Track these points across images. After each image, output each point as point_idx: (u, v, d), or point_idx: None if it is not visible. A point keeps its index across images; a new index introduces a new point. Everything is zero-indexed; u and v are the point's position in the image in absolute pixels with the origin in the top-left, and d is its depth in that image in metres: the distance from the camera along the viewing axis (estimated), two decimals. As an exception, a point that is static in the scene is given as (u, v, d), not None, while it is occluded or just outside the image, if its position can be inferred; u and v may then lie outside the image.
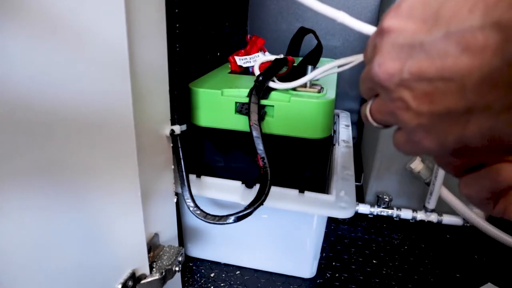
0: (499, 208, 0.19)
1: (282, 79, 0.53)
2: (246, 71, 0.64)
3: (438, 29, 0.16)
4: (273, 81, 0.51)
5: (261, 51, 0.64)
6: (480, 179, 0.19)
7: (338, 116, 0.83)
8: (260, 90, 0.49)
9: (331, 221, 0.75)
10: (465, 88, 0.16)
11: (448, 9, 0.16)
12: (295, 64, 0.62)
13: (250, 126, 0.48)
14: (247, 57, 0.63)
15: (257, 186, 0.52)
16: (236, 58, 0.63)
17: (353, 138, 0.90)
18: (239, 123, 0.52)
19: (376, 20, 0.95)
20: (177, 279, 0.53)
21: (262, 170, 0.48)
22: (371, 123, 0.22)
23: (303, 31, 0.75)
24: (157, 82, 0.39)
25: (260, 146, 0.48)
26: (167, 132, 0.43)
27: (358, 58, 0.38)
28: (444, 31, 0.16)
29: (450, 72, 0.16)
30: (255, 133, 0.48)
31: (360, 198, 0.80)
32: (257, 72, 0.57)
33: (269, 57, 0.60)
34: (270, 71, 0.52)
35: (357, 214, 0.73)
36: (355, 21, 0.24)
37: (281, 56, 0.61)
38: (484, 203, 0.20)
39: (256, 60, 0.61)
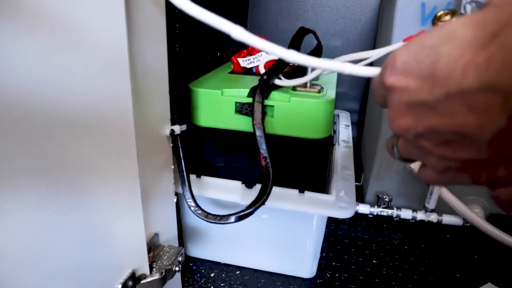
0: None
1: (285, 76, 0.53)
2: (247, 71, 0.64)
3: (439, 89, 0.16)
4: (280, 78, 0.51)
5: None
6: None
7: (338, 116, 0.83)
8: (265, 89, 0.49)
9: (331, 221, 0.75)
10: (481, 142, 0.16)
11: (442, 68, 0.16)
12: (297, 64, 0.62)
13: (253, 125, 0.48)
14: (251, 57, 0.63)
15: (257, 186, 0.52)
16: (240, 59, 0.63)
17: (353, 138, 0.90)
18: (239, 123, 0.52)
19: (376, 20, 0.95)
20: (177, 279, 0.53)
21: (265, 170, 0.48)
22: (395, 157, 0.23)
23: (303, 31, 0.75)
24: (157, 82, 0.39)
25: (263, 146, 0.48)
26: (167, 132, 0.43)
27: (374, 55, 0.37)
28: (445, 91, 0.16)
29: (462, 129, 0.16)
30: (258, 133, 0.48)
31: (360, 198, 0.80)
32: (262, 70, 0.57)
33: (273, 55, 0.60)
34: (274, 69, 0.52)
35: (357, 214, 0.73)
36: (361, 68, 0.25)
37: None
38: None
39: (260, 59, 0.60)
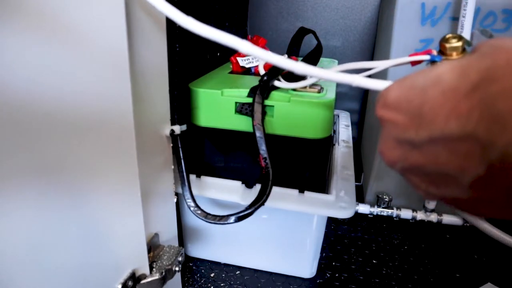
0: None
1: (284, 78, 0.53)
2: (247, 71, 0.64)
3: (423, 131, 0.17)
4: (279, 80, 0.51)
5: (263, 50, 0.64)
6: None
7: (338, 116, 0.83)
8: (265, 90, 0.49)
9: (331, 221, 0.75)
10: (463, 184, 0.16)
11: (427, 112, 0.17)
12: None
13: (253, 126, 0.48)
14: (250, 57, 0.63)
15: (257, 186, 0.52)
16: (238, 59, 0.63)
17: (353, 138, 0.90)
18: (239, 123, 0.52)
19: (376, 20, 0.95)
20: (177, 279, 0.53)
21: (264, 171, 0.48)
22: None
23: (303, 31, 0.75)
24: (157, 82, 0.39)
25: (263, 147, 0.48)
26: (167, 132, 0.43)
27: (379, 66, 0.36)
28: (428, 133, 0.17)
29: (444, 170, 0.17)
30: (258, 133, 0.48)
31: (360, 198, 0.80)
32: (261, 71, 0.57)
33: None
34: (274, 70, 0.52)
35: (357, 214, 0.73)
36: (370, 80, 0.25)
37: (285, 56, 0.61)
38: None
39: (259, 60, 0.60)
